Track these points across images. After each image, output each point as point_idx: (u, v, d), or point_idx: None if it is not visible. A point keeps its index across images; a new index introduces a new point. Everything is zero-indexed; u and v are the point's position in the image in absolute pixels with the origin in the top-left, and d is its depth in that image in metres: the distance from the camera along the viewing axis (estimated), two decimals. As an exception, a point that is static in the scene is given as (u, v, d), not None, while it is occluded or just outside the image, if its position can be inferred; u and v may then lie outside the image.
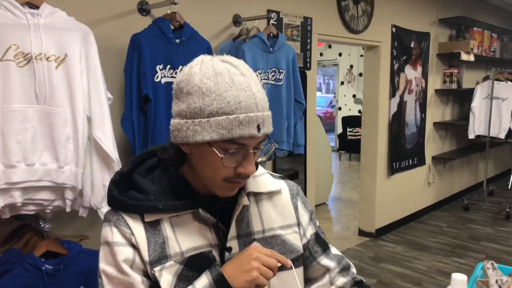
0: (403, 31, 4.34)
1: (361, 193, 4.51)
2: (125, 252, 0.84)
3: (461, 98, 5.54)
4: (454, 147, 5.56)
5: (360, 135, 8.82)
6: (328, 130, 8.25)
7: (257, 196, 0.97)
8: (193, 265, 0.86)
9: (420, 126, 4.82)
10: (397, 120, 4.46)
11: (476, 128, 5.16)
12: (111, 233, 0.85)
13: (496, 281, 1.11)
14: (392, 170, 4.47)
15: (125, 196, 0.87)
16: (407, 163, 4.68)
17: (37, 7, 1.63)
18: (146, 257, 0.85)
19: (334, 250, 1.05)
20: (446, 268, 3.62)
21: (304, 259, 1.01)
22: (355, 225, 4.63)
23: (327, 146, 5.73)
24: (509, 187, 5.88)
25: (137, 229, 0.86)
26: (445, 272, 3.54)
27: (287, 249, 0.96)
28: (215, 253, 0.88)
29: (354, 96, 9.83)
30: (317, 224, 1.06)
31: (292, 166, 3.84)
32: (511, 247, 4.06)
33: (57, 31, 1.64)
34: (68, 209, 1.72)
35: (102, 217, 1.79)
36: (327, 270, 1.01)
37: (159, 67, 2.07)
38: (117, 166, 1.78)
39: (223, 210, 0.91)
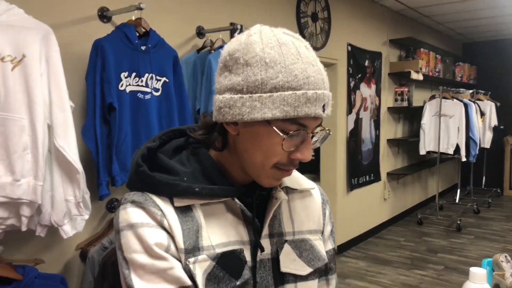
0: (358, 50, 4.47)
1: (321, 210, 4.49)
2: (157, 235, 0.70)
3: (411, 116, 5.76)
4: (406, 163, 5.74)
5: (312, 155, 8.97)
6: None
7: (290, 193, 0.87)
8: (225, 264, 0.73)
9: (375, 143, 4.94)
10: (354, 137, 4.54)
11: (426, 144, 5.36)
12: (137, 215, 0.71)
13: (511, 274, 1.09)
14: (351, 186, 4.51)
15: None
16: (364, 179, 4.75)
17: (-9, 4, 1.48)
18: (181, 244, 0.71)
19: None
20: (410, 280, 3.65)
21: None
22: (316, 243, 4.59)
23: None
24: (456, 201, 6.13)
25: (169, 212, 0.72)
26: (409, 284, 3.56)
27: (315, 256, 0.87)
28: (246, 252, 0.77)
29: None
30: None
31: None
32: (466, 257, 4.18)
33: (14, 30, 1.49)
34: (24, 228, 1.53)
35: (64, 236, 1.62)
36: None
37: (124, 75, 1.95)
38: (82, 178, 1.62)
39: (254, 205, 0.81)
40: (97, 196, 1.95)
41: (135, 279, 0.68)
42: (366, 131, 4.75)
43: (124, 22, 2.07)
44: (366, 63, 4.62)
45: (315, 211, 0.91)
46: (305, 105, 0.69)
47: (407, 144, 5.56)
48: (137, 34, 2.03)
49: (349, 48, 4.33)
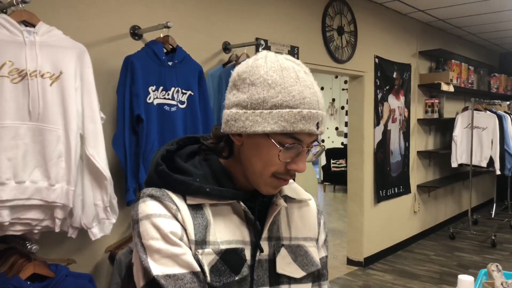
0: (386, 62, 4.48)
1: (348, 221, 4.50)
2: (172, 225, 0.79)
3: (442, 128, 5.68)
4: (437, 176, 5.64)
5: (344, 166, 8.94)
6: (312, 163, 8.34)
7: (288, 202, 0.95)
8: (227, 260, 0.82)
9: (405, 155, 4.90)
10: (382, 148, 4.53)
11: (458, 156, 5.26)
12: (154, 207, 0.80)
13: (501, 283, 1.12)
14: (379, 197, 4.49)
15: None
16: (393, 191, 4.71)
17: (33, 26, 1.65)
18: (192, 236, 0.80)
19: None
20: (437, 295, 3.59)
21: None
22: (343, 255, 4.59)
23: (313, 176, 5.76)
24: (492, 216, 5.95)
25: (183, 207, 0.82)
26: (436, 299, 3.51)
27: (309, 261, 0.94)
28: (247, 252, 0.86)
29: (336, 128, 9.99)
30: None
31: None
32: (499, 273, 4.06)
33: (53, 49, 1.65)
34: (57, 229, 1.67)
35: (92, 237, 1.75)
36: None
37: (151, 89, 2.09)
38: (110, 184, 1.76)
39: (256, 209, 0.89)
40: (125, 202, 2.09)
41: (151, 262, 0.77)
42: (395, 143, 4.73)
43: (153, 39, 2.21)
44: (394, 75, 4.62)
45: (311, 220, 0.99)
46: (300, 122, 0.79)
47: (439, 156, 5.48)
48: (165, 51, 2.17)
49: (377, 60, 4.36)
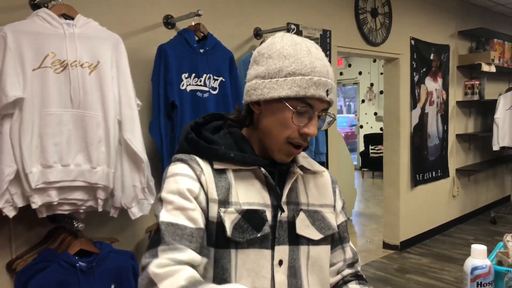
0: (422, 43, 4.37)
1: (384, 205, 4.48)
2: (191, 184, 0.89)
3: (483, 110, 5.49)
4: (478, 160, 5.48)
5: (382, 152, 8.82)
6: (350, 149, 8.25)
7: (304, 172, 1.04)
8: (249, 219, 0.91)
9: (443, 138, 4.79)
10: (419, 132, 4.45)
11: (500, 139, 5.07)
12: (181, 168, 0.91)
13: None
14: (415, 181, 4.43)
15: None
16: (430, 175, 4.63)
17: (72, 18, 1.76)
18: (215, 196, 0.90)
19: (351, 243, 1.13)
20: (475, 279, 3.53)
21: (333, 241, 1.07)
22: (379, 239, 4.58)
23: (349, 162, 5.71)
24: (538, 200, 5.72)
25: (207, 170, 0.92)
26: (474, 283, 3.45)
27: (326, 225, 1.03)
28: (268, 214, 0.94)
29: (375, 114, 9.81)
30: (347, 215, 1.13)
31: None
32: (543, 259, 3.93)
33: (91, 40, 1.75)
34: (100, 209, 1.79)
35: (132, 216, 1.86)
36: (344, 258, 1.08)
37: (184, 76, 2.17)
38: (146, 167, 1.86)
39: (276, 175, 0.98)
40: (162, 184, 2.19)
41: (163, 211, 0.87)
42: (433, 126, 4.63)
43: (185, 27, 2.29)
44: (432, 57, 4.51)
45: (326, 189, 1.07)
46: (312, 88, 0.88)
47: (479, 139, 5.31)
48: (196, 38, 2.24)
49: (413, 42, 4.26)
